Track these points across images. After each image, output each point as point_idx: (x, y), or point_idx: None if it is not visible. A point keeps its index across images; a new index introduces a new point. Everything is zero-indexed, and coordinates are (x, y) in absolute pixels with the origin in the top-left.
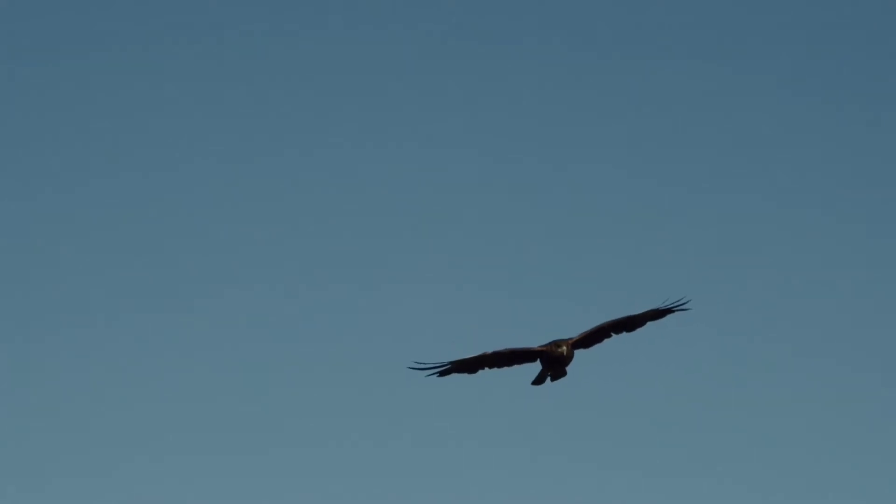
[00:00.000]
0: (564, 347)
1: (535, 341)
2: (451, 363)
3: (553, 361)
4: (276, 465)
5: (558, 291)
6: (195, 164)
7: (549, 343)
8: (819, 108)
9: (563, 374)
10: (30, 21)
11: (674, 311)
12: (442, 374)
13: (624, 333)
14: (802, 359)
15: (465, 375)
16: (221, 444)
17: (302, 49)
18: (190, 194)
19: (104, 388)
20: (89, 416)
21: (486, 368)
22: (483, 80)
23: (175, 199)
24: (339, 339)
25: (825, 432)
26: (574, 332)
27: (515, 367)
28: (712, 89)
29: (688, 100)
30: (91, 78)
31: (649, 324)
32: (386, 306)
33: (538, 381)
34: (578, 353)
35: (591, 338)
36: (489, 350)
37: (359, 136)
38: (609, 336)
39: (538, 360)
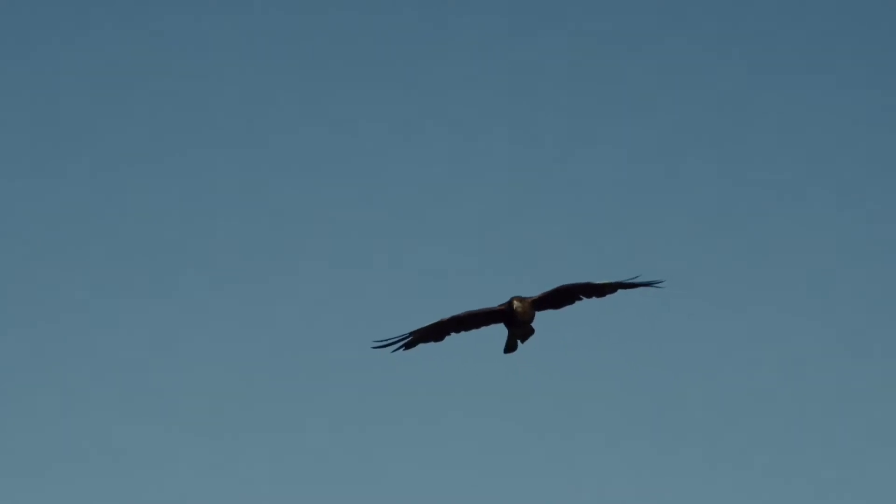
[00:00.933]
0: (517, 303)
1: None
2: (411, 333)
3: (513, 319)
4: (246, 453)
5: (530, 269)
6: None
7: (507, 301)
8: (786, 84)
9: (531, 331)
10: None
11: (648, 286)
12: (407, 346)
13: (595, 299)
14: (779, 340)
15: (434, 345)
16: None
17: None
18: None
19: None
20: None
21: (453, 333)
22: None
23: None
24: (298, 326)
25: (796, 410)
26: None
27: (484, 329)
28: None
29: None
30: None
31: (621, 292)
32: (344, 291)
33: (509, 348)
34: (549, 315)
35: (553, 298)
36: (447, 316)
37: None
38: (579, 299)
39: (503, 322)
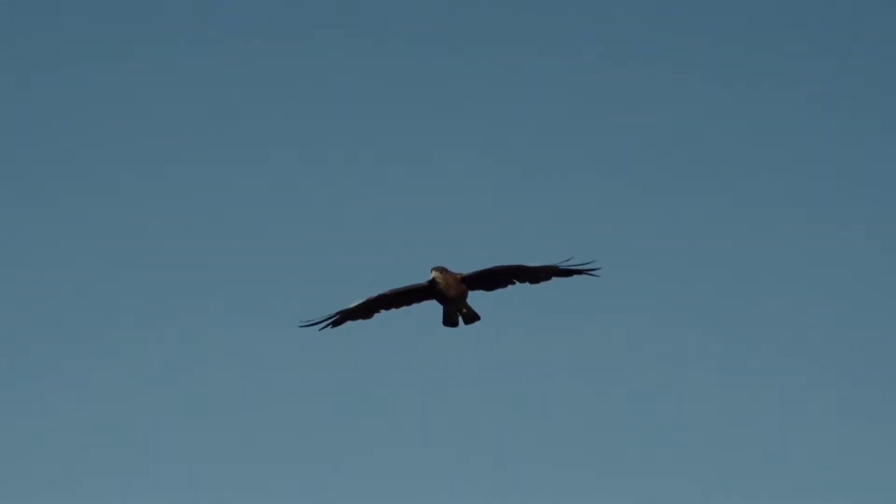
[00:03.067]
0: (437, 273)
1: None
2: (338, 313)
3: (440, 295)
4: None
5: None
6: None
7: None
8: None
9: (474, 316)
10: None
11: (581, 273)
12: (335, 324)
13: (528, 284)
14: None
15: (363, 322)
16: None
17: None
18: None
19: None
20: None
21: (382, 311)
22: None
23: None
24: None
25: (740, 399)
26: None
27: (416, 306)
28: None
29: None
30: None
31: (556, 280)
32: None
33: (447, 320)
34: (482, 297)
35: (482, 278)
36: (374, 294)
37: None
38: (512, 283)
39: (434, 299)
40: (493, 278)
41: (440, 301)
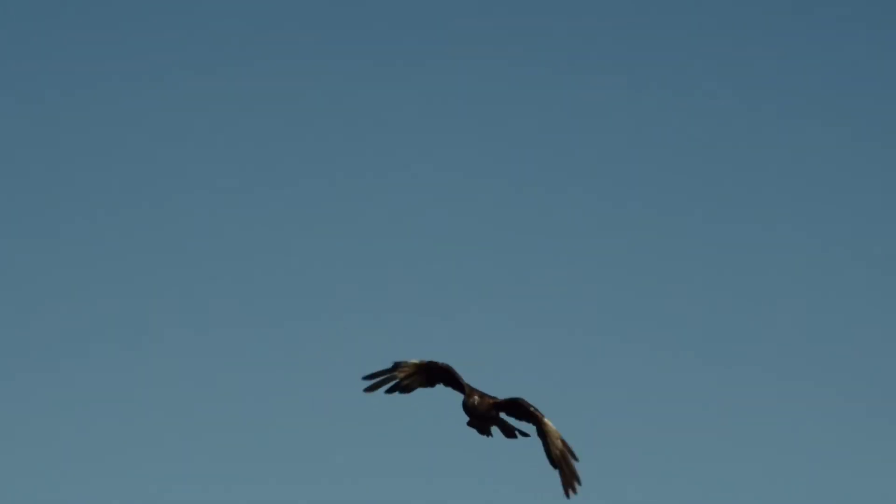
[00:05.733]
0: (477, 398)
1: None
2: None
3: (466, 408)
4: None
5: None
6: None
7: (474, 390)
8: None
9: (485, 431)
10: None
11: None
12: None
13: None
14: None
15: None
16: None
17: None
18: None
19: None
20: None
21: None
22: None
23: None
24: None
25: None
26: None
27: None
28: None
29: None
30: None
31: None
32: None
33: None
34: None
35: (508, 407)
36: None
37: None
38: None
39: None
40: (514, 410)
41: (465, 409)
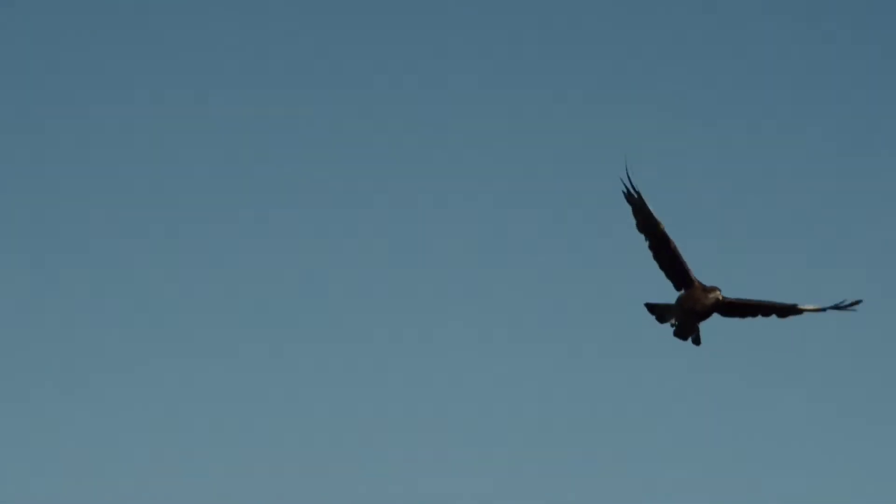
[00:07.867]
0: (718, 293)
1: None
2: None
3: (690, 306)
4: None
5: None
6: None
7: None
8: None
9: (692, 334)
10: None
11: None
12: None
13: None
14: None
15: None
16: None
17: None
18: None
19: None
20: None
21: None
22: None
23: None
24: None
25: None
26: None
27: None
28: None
29: None
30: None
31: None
32: None
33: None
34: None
35: (744, 309)
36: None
37: None
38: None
39: (681, 289)
40: (751, 311)
41: (688, 309)
